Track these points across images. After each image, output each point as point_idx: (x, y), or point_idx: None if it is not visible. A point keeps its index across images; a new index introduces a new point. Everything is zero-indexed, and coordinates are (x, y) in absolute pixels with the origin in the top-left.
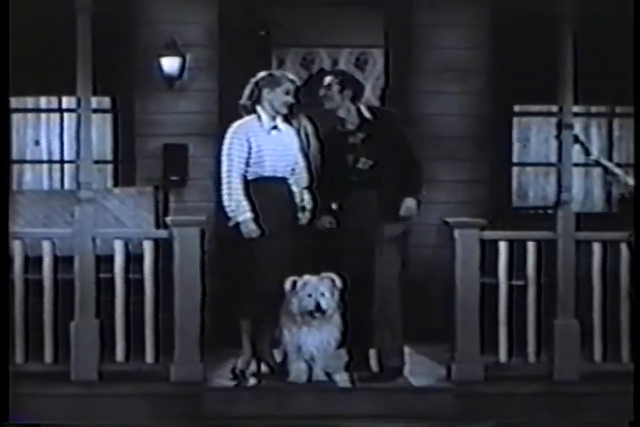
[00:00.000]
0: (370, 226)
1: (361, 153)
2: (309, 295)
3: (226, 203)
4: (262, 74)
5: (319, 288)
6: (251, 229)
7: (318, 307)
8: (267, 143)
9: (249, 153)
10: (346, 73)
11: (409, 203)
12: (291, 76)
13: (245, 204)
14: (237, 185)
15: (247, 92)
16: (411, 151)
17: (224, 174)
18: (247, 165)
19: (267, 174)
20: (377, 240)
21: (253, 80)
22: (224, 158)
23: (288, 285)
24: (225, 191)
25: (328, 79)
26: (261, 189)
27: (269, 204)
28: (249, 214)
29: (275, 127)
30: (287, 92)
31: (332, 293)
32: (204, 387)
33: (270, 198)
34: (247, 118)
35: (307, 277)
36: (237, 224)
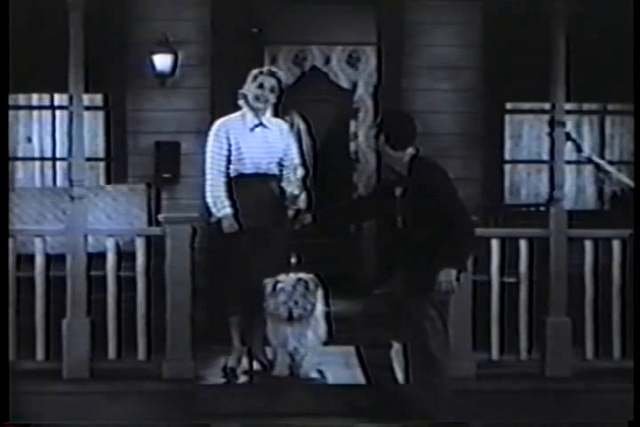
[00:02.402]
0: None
1: (398, 211)
2: (284, 303)
3: (208, 199)
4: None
5: (293, 296)
6: (230, 224)
7: (291, 316)
8: (247, 141)
9: (229, 151)
10: (390, 121)
11: (445, 275)
12: (269, 69)
13: (224, 199)
14: (218, 182)
15: (239, 94)
16: (451, 209)
17: (207, 171)
18: (228, 162)
19: (247, 172)
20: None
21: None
22: (206, 156)
23: (268, 287)
24: (207, 188)
25: (372, 133)
26: (242, 186)
27: (251, 200)
28: (228, 210)
29: (259, 124)
30: (259, 87)
31: (304, 296)
32: (196, 384)
33: (251, 195)
34: (231, 116)
35: (283, 280)
36: (219, 220)
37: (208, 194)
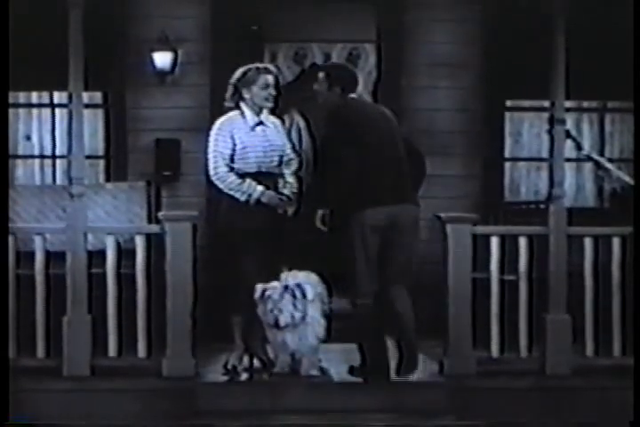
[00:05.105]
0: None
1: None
2: (271, 311)
3: (234, 193)
4: (237, 74)
5: (279, 304)
6: (274, 197)
7: (277, 323)
8: (250, 140)
9: (233, 150)
10: (337, 67)
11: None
12: (266, 66)
13: (249, 181)
14: (231, 176)
15: (228, 94)
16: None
17: (212, 171)
18: (232, 161)
19: (251, 171)
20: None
21: (231, 81)
22: (210, 156)
23: (257, 294)
24: (223, 185)
25: (320, 75)
26: None
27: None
28: (260, 187)
29: (260, 123)
30: (265, 87)
31: (291, 304)
32: (196, 382)
33: None
34: (231, 114)
35: (270, 287)
36: (259, 202)
37: (229, 189)
